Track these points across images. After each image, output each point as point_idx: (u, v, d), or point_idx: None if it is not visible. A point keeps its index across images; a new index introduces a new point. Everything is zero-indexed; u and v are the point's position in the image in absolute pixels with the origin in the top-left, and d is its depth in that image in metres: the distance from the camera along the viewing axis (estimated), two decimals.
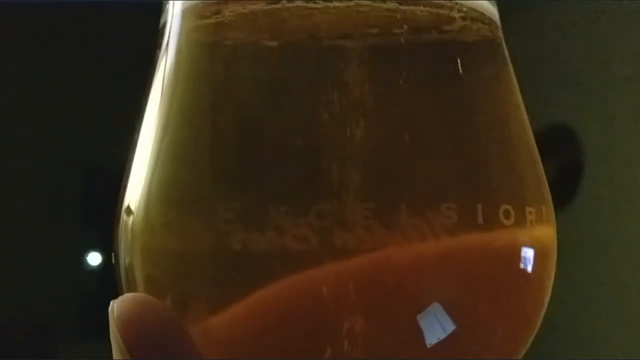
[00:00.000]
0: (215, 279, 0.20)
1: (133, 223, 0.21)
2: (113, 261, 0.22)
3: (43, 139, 2.51)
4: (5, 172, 2.46)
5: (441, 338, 0.19)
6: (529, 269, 0.21)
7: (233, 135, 0.20)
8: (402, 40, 0.20)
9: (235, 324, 0.20)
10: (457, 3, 0.21)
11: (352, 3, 0.20)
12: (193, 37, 0.22)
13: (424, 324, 0.19)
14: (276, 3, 0.20)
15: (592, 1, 2.04)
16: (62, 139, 2.50)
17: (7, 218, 2.43)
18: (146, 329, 0.19)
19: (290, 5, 0.20)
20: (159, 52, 0.22)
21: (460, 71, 0.21)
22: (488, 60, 0.23)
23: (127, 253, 0.21)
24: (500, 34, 0.23)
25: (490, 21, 0.23)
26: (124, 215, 0.21)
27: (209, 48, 0.22)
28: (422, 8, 0.21)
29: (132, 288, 0.21)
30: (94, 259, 2.70)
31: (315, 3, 0.20)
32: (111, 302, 0.19)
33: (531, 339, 0.22)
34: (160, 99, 0.22)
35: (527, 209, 0.21)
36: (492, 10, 0.23)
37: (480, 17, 0.22)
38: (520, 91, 0.23)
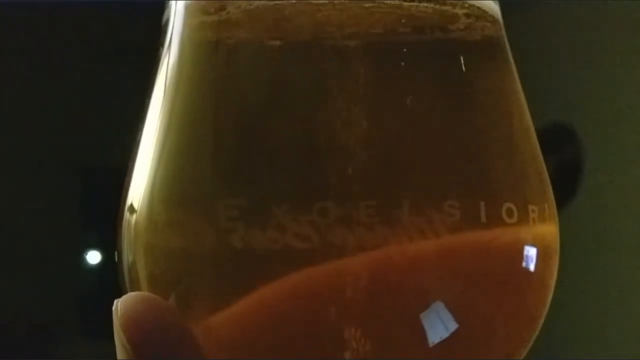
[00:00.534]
0: (218, 277, 0.20)
1: (136, 221, 0.21)
2: (116, 259, 0.22)
3: (43, 139, 2.51)
4: (5, 172, 2.46)
5: (444, 337, 0.19)
6: (532, 267, 0.21)
7: (235, 134, 0.20)
8: (406, 39, 0.20)
9: (237, 322, 0.20)
10: (460, 1, 0.21)
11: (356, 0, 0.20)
12: (196, 34, 0.22)
13: (427, 322, 0.19)
14: None
15: (592, 1, 2.04)
16: (62, 139, 2.50)
17: (7, 218, 2.43)
18: (150, 328, 0.19)
19: (295, 1, 0.20)
20: (162, 50, 0.22)
21: (464, 70, 0.21)
22: (491, 59, 0.23)
23: (130, 251, 0.21)
24: (503, 32, 0.23)
25: (494, 19, 0.23)
26: (127, 214, 0.21)
27: (212, 46, 0.22)
28: (425, 4, 0.21)
29: (135, 286, 0.21)
30: (94, 258, 2.71)
31: None
32: (115, 301, 0.19)
33: (534, 338, 0.22)
34: (163, 97, 0.22)
35: (530, 207, 0.21)
36: (495, 9, 0.23)
37: (484, 15, 0.22)
38: (523, 91, 0.23)
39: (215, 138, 0.21)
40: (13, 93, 2.46)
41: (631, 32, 1.96)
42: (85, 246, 2.70)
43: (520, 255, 0.21)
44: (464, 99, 0.21)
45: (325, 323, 0.19)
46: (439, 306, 0.19)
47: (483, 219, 0.20)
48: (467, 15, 0.21)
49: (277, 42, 0.20)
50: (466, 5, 0.21)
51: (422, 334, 0.19)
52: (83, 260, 2.70)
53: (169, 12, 0.22)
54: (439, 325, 0.19)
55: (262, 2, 0.20)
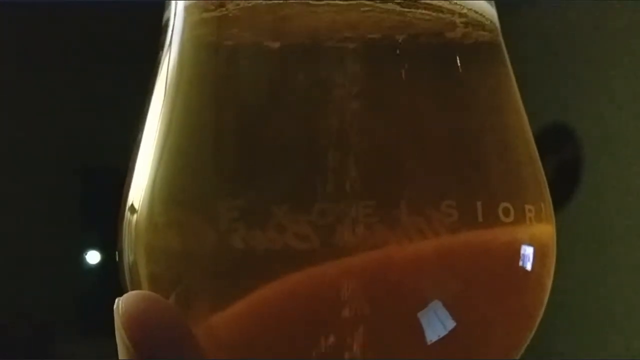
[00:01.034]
0: (218, 277, 0.20)
1: (137, 222, 0.21)
2: (117, 259, 0.22)
3: (43, 139, 2.51)
4: (5, 172, 2.46)
5: (442, 335, 0.20)
6: (529, 266, 0.21)
7: (235, 135, 0.21)
8: (403, 42, 0.21)
9: (237, 322, 0.20)
10: (457, 4, 0.21)
11: (354, 2, 0.20)
12: (196, 33, 0.22)
13: (425, 321, 0.19)
14: None
15: (592, 1, 2.04)
16: (62, 139, 2.50)
17: (7, 218, 2.43)
18: (151, 326, 0.19)
19: (293, 1, 0.20)
20: (162, 51, 0.23)
21: (461, 73, 0.22)
22: (488, 63, 0.23)
23: (131, 251, 0.21)
24: (500, 38, 0.23)
25: (491, 24, 0.23)
26: (127, 214, 0.22)
27: (212, 46, 0.22)
28: (422, 11, 0.21)
29: (136, 286, 0.21)
30: (93, 258, 2.71)
31: (318, 0, 0.20)
32: (116, 300, 0.19)
33: (531, 336, 0.22)
34: (164, 97, 0.22)
35: (527, 207, 0.21)
36: (492, 13, 0.23)
37: (481, 21, 0.22)
38: (520, 90, 0.23)
39: (215, 139, 0.21)
40: (13, 93, 2.46)
41: (631, 33, 1.96)
42: (85, 246, 2.70)
43: (517, 255, 0.21)
44: (462, 102, 0.22)
45: (324, 323, 0.19)
46: (436, 305, 0.19)
47: (480, 218, 0.20)
48: (465, 24, 0.21)
49: (276, 43, 0.21)
50: (464, 13, 0.21)
51: (421, 333, 0.19)
52: (83, 260, 2.70)
53: (169, 12, 0.23)
54: (437, 324, 0.19)
55: (260, 1, 0.20)
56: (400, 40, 0.21)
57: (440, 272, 0.20)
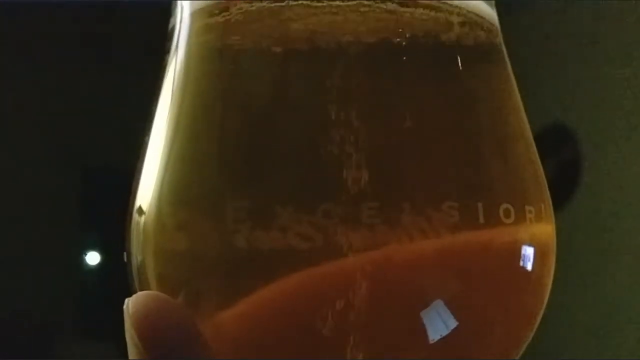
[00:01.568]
0: (224, 277, 0.20)
1: (145, 223, 0.21)
2: (125, 260, 0.23)
3: (43, 139, 2.51)
4: (5, 172, 2.46)
5: (444, 334, 0.20)
6: (529, 266, 0.21)
7: (240, 137, 0.21)
8: (404, 43, 0.21)
9: (244, 320, 0.20)
10: (456, 7, 0.22)
11: (353, 3, 0.20)
12: (201, 38, 0.22)
13: (427, 320, 0.20)
14: (282, 1, 0.21)
15: (591, 1, 2.04)
16: (62, 139, 2.50)
17: (7, 218, 2.44)
18: (161, 325, 0.19)
19: (295, 3, 0.21)
20: (168, 55, 0.23)
21: (462, 74, 0.22)
22: (488, 64, 0.23)
23: (139, 252, 0.22)
24: (500, 37, 0.24)
25: (490, 25, 0.23)
26: (135, 215, 0.22)
27: (217, 50, 0.22)
28: (421, 10, 0.21)
29: (144, 286, 0.22)
30: (93, 258, 2.71)
31: (319, 1, 0.20)
32: (126, 300, 0.20)
33: (531, 335, 0.22)
34: (170, 101, 0.22)
35: (527, 208, 0.21)
36: (492, 14, 0.23)
37: (480, 21, 0.22)
38: (520, 91, 0.24)
39: (220, 141, 0.21)
40: (13, 93, 2.46)
41: (631, 33, 1.96)
42: (85, 246, 2.70)
43: (517, 255, 0.21)
44: (463, 104, 0.22)
45: (328, 321, 0.20)
46: (439, 304, 0.20)
47: (481, 219, 0.20)
48: (462, 24, 0.22)
49: (278, 46, 0.21)
50: (462, 13, 0.22)
51: (423, 332, 0.20)
52: (83, 261, 2.70)
53: (175, 19, 0.23)
54: (439, 324, 0.20)
55: (263, 4, 0.21)
56: (400, 41, 0.21)
57: (442, 272, 0.20)
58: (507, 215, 0.21)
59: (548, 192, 0.23)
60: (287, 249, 0.19)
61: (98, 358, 2.48)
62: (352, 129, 0.20)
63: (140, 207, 0.22)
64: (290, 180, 0.20)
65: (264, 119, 0.21)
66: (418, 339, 0.20)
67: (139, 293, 0.20)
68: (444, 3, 0.21)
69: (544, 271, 0.22)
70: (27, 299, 2.43)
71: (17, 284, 2.41)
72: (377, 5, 0.21)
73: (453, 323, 0.20)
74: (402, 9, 0.21)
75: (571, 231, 1.95)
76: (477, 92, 0.22)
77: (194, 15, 0.22)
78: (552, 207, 0.23)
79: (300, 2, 0.21)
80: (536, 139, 0.23)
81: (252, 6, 0.21)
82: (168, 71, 0.23)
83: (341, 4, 0.20)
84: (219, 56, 0.22)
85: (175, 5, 0.23)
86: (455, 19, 0.22)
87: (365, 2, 0.21)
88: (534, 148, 0.23)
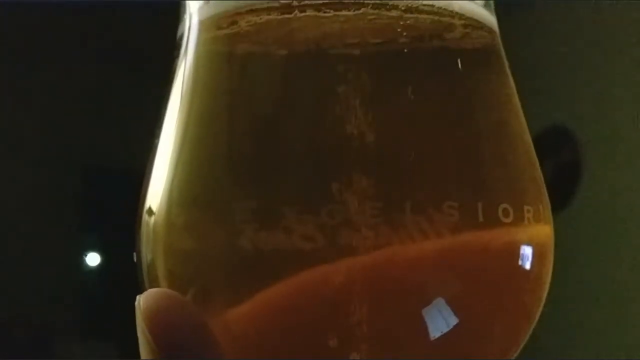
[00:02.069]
0: (231, 276, 0.21)
1: (155, 223, 0.22)
2: (135, 259, 0.23)
3: (43, 139, 2.51)
4: (5, 173, 2.47)
5: (444, 332, 0.20)
6: (527, 265, 0.22)
7: (247, 142, 0.22)
8: (406, 48, 0.22)
9: (250, 318, 0.21)
10: (458, 12, 0.22)
11: (360, 12, 0.21)
12: (210, 47, 0.23)
13: (428, 318, 0.20)
14: (289, 13, 0.21)
15: (591, 1, 2.04)
16: (62, 139, 2.51)
17: (7, 218, 2.44)
18: (171, 321, 0.20)
19: (302, 15, 0.21)
20: (177, 61, 0.24)
21: (462, 77, 0.23)
22: (488, 67, 0.24)
23: (149, 251, 0.22)
24: (499, 41, 0.24)
25: (490, 30, 0.24)
26: (145, 216, 0.23)
27: (225, 57, 0.23)
28: (425, 16, 0.22)
29: (154, 284, 0.22)
30: (93, 259, 2.71)
31: (326, 12, 0.21)
32: (137, 297, 0.20)
33: (529, 333, 0.23)
34: (179, 107, 0.23)
35: (525, 208, 0.22)
36: (491, 19, 0.24)
37: (480, 26, 0.23)
38: (519, 91, 0.24)
39: (228, 144, 0.22)
40: (13, 93, 2.47)
41: (630, 34, 1.97)
42: (85, 247, 2.70)
43: (516, 254, 0.22)
44: (462, 106, 0.22)
45: (331, 319, 0.20)
46: (440, 302, 0.20)
47: (480, 219, 0.21)
48: (463, 29, 0.22)
49: (285, 53, 0.22)
50: (464, 18, 0.22)
51: (424, 330, 0.20)
52: (83, 261, 2.70)
53: (183, 27, 0.24)
54: (440, 321, 0.20)
55: (271, 16, 0.21)
56: (404, 46, 0.22)
57: (443, 270, 0.21)
58: (506, 215, 0.21)
59: (546, 193, 0.24)
60: (292, 249, 0.20)
61: (98, 358, 2.48)
62: (356, 131, 0.20)
63: (150, 208, 0.22)
64: (295, 182, 0.21)
65: (270, 123, 0.21)
66: (420, 336, 0.20)
67: (150, 290, 0.21)
68: (446, 9, 0.22)
69: (542, 270, 0.23)
70: (27, 300, 2.43)
71: (17, 284, 2.41)
72: (383, 13, 0.21)
73: (454, 320, 0.20)
74: (407, 15, 0.21)
75: (571, 232, 1.95)
76: (477, 94, 0.23)
77: (202, 24, 0.23)
78: (550, 208, 0.23)
79: (307, 13, 0.21)
80: (536, 140, 0.24)
81: (260, 19, 0.22)
82: (177, 77, 0.23)
83: (348, 13, 0.21)
84: (226, 62, 0.23)
85: (184, 12, 0.24)
86: (457, 24, 0.22)
87: (372, 11, 0.21)
88: (533, 149, 0.24)
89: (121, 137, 2.34)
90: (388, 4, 0.21)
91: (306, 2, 0.21)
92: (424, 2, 0.22)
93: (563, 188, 2.08)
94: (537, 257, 0.22)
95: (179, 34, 0.24)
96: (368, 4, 0.21)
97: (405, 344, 0.21)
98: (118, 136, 2.40)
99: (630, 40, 1.96)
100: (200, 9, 0.23)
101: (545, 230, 0.23)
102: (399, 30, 0.21)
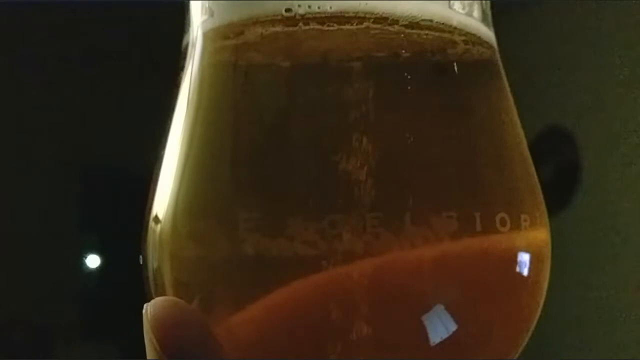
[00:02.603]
0: (236, 283, 0.21)
1: (161, 231, 0.23)
2: (141, 264, 0.24)
3: (43, 140, 2.51)
4: (5, 174, 2.46)
5: (444, 337, 0.21)
6: (525, 272, 0.23)
7: (252, 152, 0.22)
8: (408, 63, 0.22)
9: (254, 324, 0.21)
10: (457, 28, 0.23)
11: (363, 26, 0.22)
12: (216, 58, 0.23)
13: (428, 324, 0.21)
14: (294, 26, 0.22)
15: (590, 2, 2.05)
16: (61, 141, 2.50)
17: (7, 219, 2.44)
18: (179, 330, 0.21)
19: (307, 28, 0.22)
20: (183, 72, 0.24)
21: (462, 91, 0.23)
22: (487, 81, 0.24)
23: (155, 259, 0.23)
24: (498, 56, 0.25)
25: (489, 45, 0.24)
26: (152, 224, 0.23)
27: (231, 68, 0.23)
28: (427, 32, 0.22)
29: (159, 291, 0.23)
30: (93, 261, 2.71)
31: (330, 26, 0.22)
32: (145, 305, 0.21)
33: (528, 337, 0.23)
34: (185, 117, 0.23)
35: (522, 217, 0.23)
36: (490, 35, 0.25)
37: (479, 41, 0.24)
38: (519, 93, 0.25)
39: (233, 155, 0.22)
40: (13, 93, 2.47)
41: (630, 35, 1.97)
42: (84, 249, 2.70)
43: (513, 261, 0.22)
44: (461, 119, 0.23)
45: (333, 325, 0.21)
46: (439, 309, 0.21)
47: (478, 228, 0.21)
48: (463, 44, 0.23)
49: (290, 64, 0.22)
50: (463, 34, 0.23)
51: (425, 335, 0.21)
52: (83, 263, 2.70)
53: (188, 38, 0.24)
54: (439, 327, 0.21)
55: (277, 28, 0.22)
56: (405, 59, 0.22)
57: (442, 277, 0.21)
58: (503, 224, 0.22)
59: (543, 201, 0.24)
60: (295, 256, 0.20)
61: (98, 359, 2.48)
62: (359, 143, 0.21)
63: (156, 216, 0.23)
64: (298, 191, 0.21)
65: (274, 134, 0.22)
66: (420, 342, 0.21)
67: (158, 298, 0.21)
68: (445, 24, 0.23)
69: (540, 276, 0.23)
70: (26, 301, 2.43)
71: (17, 285, 2.41)
72: (385, 28, 0.22)
73: (453, 326, 0.21)
74: (408, 31, 0.22)
75: (570, 234, 1.95)
76: (476, 108, 0.23)
77: (208, 35, 0.23)
78: (546, 215, 0.24)
79: (311, 26, 0.22)
80: (535, 141, 0.25)
81: (266, 31, 0.22)
82: (182, 87, 0.24)
83: (351, 27, 0.22)
84: (232, 73, 0.23)
85: (189, 23, 0.24)
86: (457, 39, 0.23)
87: (374, 26, 0.22)
88: (530, 159, 0.25)
89: (122, 139, 2.34)
90: (389, 19, 0.22)
91: (309, 15, 0.22)
92: (423, 17, 0.22)
93: (562, 189, 2.08)
94: (535, 263, 0.23)
95: (184, 44, 0.25)
96: (370, 18, 0.22)
97: (406, 349, 0.21)
98: (119, 138, 2.40)
99: (630, 40, 1.96)
100: (205, 21, 0.23)
101: (542, 237, 0.23)
102: (401, 45, 0.22)
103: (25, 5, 2.15)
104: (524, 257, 0.22)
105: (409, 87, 0.22)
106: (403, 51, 0.22)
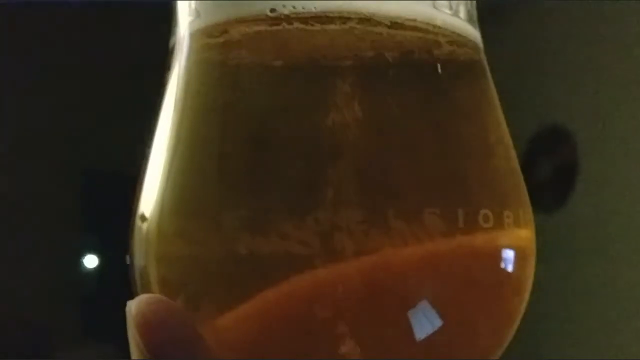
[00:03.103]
0: (223, 282, 0.22)
1: (147, 230, 0.23)
2: (127, 263, 0.24)
3: (41, 140, 2.51)
4: (3, 174, 2.46)
5: (429, 333, 0.21)
6: (508, 268, 0.23)
7: (238, 149, 0.22)
8: (393, 63, 0.22)
9: (242, 324, 0.21)
10: (442, 28, 0.23)
11: (347, 26, 0.22)
12: (202, 56, 0.24)
13: (414, 320, 0.21)
14: (277, 25, 0.22)
15: (588, 1, 2.05)
16: (60, 141, 2.51)
17: (5, 219, 2.44)
18: (162, 328, 0.21)
19: (290, 27, 0.22)
20: (169, 71, 0.24)
21: (446, 91, 0.23)
22: (472, 80, 0.25)
23: (142, 257, 0.23)
24: (483, 55, 0.25)
25: (474, 45, 0.25)
26: (138, 222, 0.23)
27: (217, 66, 0.23)
28: (410, 33, 0.23)
29: (146, 289, 0.23)
30: (91, 261, 2.71)
31: (313, 26, 0.22)
32: (128, 303, 0.21)
33: (512, 335, 0.24)
34: (171, 115, 0.24)
35: (505, 213, 0.23)
36: (475, 34, 0.25)
37: (464, 41, 0.24)
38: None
39: (219, 153, 0.22)
40: (12, 95, 2.47)
41: (627, 33, 1.97)
42: (83, 249, 2.70)
43: (496, 257, 0.23)
44: (445, 117, 0.23)
45: (321, 323, 0.21)
46: (424, 305, 0.21)
47: (461, 224, 0.22)
48: (448, 44, 0.23)
49: (276, 63, 0.22)
50: (447, 34, 0.23)
51: (410, 331, 0.21)
52: (81, 264, 2.70)
53: (175, 38, 0.25)
54: (425, 323, 0.21)
55: (261, 27, 0.22)
56: (390, 59, 0.22)
57: (427, 274, 0.21)
58: (486, 221, 0.22)
59: (528, 198, 0.24)
60: (281, 255, 0.20)
61: (96, 359, 2.48)
62: (343, 141, 0.21)
63: (143, 214, 0.23)
64: (285, 190, 0.21)
65: (260, 132, 0.22)
66: (406, 338, 0.21)
67: (141, 296, 0.21)
68: (429, 23, 0.23)
69: (523, 273, 0.24)
70: (24, 301, 2.43)
71: (14, 285, 2.41)
72: (368, 29, 0.22)
73: (438, 322, 0.21)
74: (392, 31, 0.22)
75: (567, 232, 1.95)
76: (460, 106, 0.24)
77: (194, 35, 0.24)
78: (531, 212, 0.24)
79: (295, 26, 0.22)
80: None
81: (250, 29, 0.22)
82: (169, 87, 0.24)
83: (335, 27, 0.22)
84: (217, 72, 0.23)
85: (175, 24, 0.24)
86: (441, 39, 0.23)
87: (358, 26, 0.22)
88: (514, 157, 0.25)
89: (121, 140, 2.34)
90: (373, 20, 0.22)
91: (293, 15, 0.22)
92: (408, 18, 0.22)
93: (559, 188, 2.08)
94: (518, 260, 0.23)
95: (171, 45, 0.25)
96: (354, 18, 0.22)
97: (392, 345, 0.21)
98: (118, 139, 2.40)
99: (629, 39, 1.96)
100: (192, 22, 0.24)
101: (525, 234, 0.24)
102: (385, 45, 0.22)
103: (25, 5, 2.15)
104: (507, 254, 0.23)
105: (393, 87, 0.22)
106: (387, 51, 0.22)
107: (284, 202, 0.21)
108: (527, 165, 2.04)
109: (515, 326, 0.24)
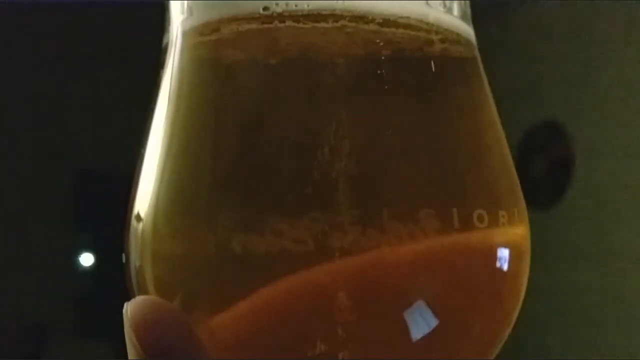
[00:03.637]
0: (218, 281, 0.22)
1: (143, 230, 0.23)
2: (123, 263, 0.24)
3: (38, 140, 2.51)
4: (2, 174, 2.46)
5: (425, 333, 0.21)
6: (504, 267, 0.23)
7: (232, 149, 0.22)
8: (387, 60, 0.22)
9: (237, 323, 0.21)
10: (435, 26, 0.23)
11: (338, 24, 0.22)
12: (194, 54, 0.24)
13: (410, 319, 0.21)
14: (269, 23, 0.22)
15: (586, 0, 2.05)
16: (57, 141, 2.50)
17: (3, 219, 2.43)
18: (159, 329, 0.20)
19: (283, 25, 0.22)
20: (163, 69, 0.24)
21: (440, 89, 0.23)
22: (465, 79, 0.25)
23: (137, 257, 0.23)
24: (477, 52, 0.25)
25: (468, 42, 0.25)
26: (134, 222, 0.23)
27: (210, 64, 0.23)
28: (402, 30, 0.22)
29: (142, 289, 0.23)
30: (87, 260, 2.71)
31: (305, 24, 0.22)
32: (125, 304, 0.21)
33: (508, 333, 0.24)
34: (165, 114, 0.24)
35: (500, 213, 0.23)
36: (469, 31, 0.25)
37: (457, 39, 0.24)
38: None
39: (214, 152, 0.22)
40: (11, 94, 2.46)
41: (622, 30, 1.98)
42: (78, 248, 2.70)
43: (491, 257, 0.23)
44: (440, 116, 0.23)
45: (316, 322, 0.21)
46: (420, 304, 0.21)
47: (456, 224, 0.22)
48: (441, 42, 0.23)
49: (268, 62, 0.22)
50: (440, 31, 0.23)
51: (406, 331, 0.21)
52: (77, 262, 2.70)
53: (168, 37, 0.25)
54: (421, 323, 0.21)
55: (252, 25, 0.22)
56: (383, 57, 0.22)
57: (422, 274, 0.21)
58: (481, 220, 0.22)
59: (522, 197, 0.24)
60: (276, 254, 0.20)
61: (90, 358, 2.48)
62: (337, 140, 0.21)
63: (138, 214, 0.23)
64: (279, 189, 0.21)
65: (253, 130, 0.22)
66: (402, 337, 0.21)
67: (138, 297, 0.21)
68: (423, 21, 0.23)
69: (518, 272, 0.24)
70: (19, 300, 2.43)
71: (10, 285, 2.41)
72: (360, 27, 0.22)
73: (434, 322, 0.21)
74: (384, 29, 0.22)
75: (563, 230, 1.96)
76: (454, 105, 0.24)
77: (186, 33, 0.24)
78: (525, 212, 0.24)
79: (287, 24, 0.22)
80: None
81: (242, 27, 0.22)
82: (162, 85, 0.24)
83: (327, 25, 0.22)
84: (210, 70, 0.23)
85: (168, 23, 0.24)
86: (434, 37, 0.23)
87: (350, 24, 0.22)
88: (509, 156, 0.25)
89: (118, 139, 2.34)
90: (365, 18, 0.22)
91: (286, 13, 0.22)
92: (400, 15, 0.22)
93: (555, 184, 2.09)
94: (513, 258, 0.23)
95: (163, 43, 0.25)
96: (346, 16, 0.22)
97: (388, 345, 0.21)
98: (115, 138, 2.40)
99: (622, 37, 1.96)
100: (185, 20, 0.24)
101: (520, 233, 0.24)
102: (378, 43, 0.22)
103: (24, 5, 2.15)
104: (502, 253, 0.23)
105: (386, 85, 0.22)
106: (380, 49, 0.22)
107: (279, 200, 0.21)
108: (522, 162, 2.04)
109: (511, 325, 0.24)
